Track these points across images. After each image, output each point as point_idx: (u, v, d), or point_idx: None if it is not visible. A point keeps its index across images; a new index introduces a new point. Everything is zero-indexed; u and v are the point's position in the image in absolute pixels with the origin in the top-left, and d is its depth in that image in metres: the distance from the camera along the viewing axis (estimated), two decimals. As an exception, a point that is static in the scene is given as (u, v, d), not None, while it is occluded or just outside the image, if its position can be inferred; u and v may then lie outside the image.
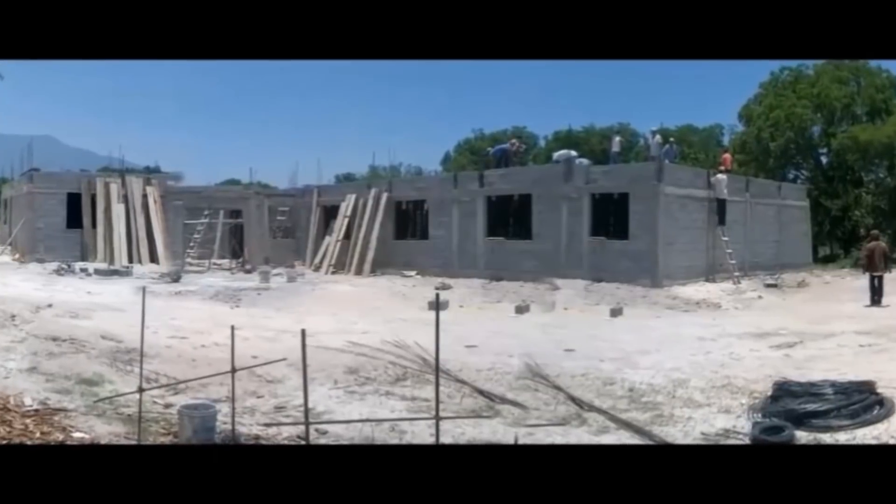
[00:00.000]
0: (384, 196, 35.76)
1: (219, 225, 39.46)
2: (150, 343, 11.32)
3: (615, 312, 22.40)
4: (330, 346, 14.40)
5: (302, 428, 8.34)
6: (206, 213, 38.72)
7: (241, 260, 38.03)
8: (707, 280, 29.41)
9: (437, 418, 3.73)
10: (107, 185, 36.15)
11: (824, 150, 51.19)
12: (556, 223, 30.22)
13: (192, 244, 37.56)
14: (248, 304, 23.32)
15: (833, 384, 9.78)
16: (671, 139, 41.77)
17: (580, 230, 29.88)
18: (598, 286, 27.37)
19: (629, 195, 28.96)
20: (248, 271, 34.66)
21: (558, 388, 11.62)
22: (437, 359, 3.53)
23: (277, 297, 25.13)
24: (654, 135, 38.42)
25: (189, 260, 36.12)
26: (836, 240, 50.42)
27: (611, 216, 30.78)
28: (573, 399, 11.00)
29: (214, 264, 37.39)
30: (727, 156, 39.64)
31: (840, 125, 49.22)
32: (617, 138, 38.83)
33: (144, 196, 36.81)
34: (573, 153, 34.85)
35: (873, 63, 50.51)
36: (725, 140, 62.28)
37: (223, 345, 13.90)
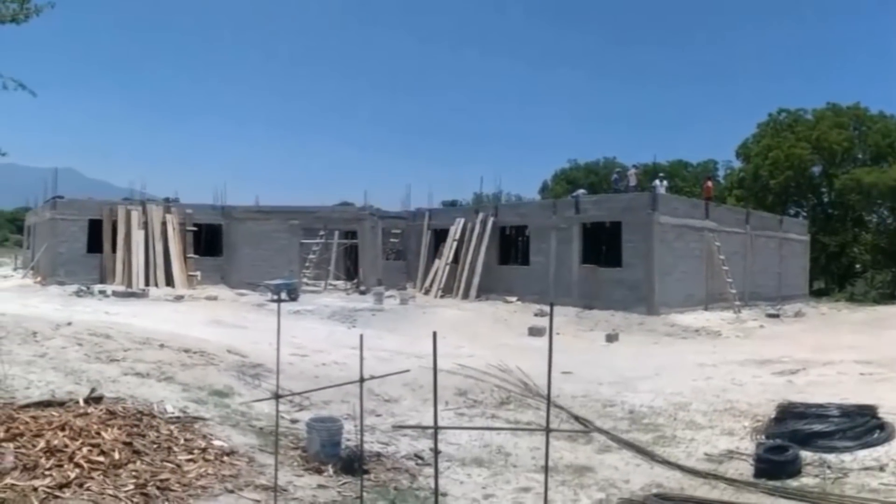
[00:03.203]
0: (490, 221, 35.81)
1: (334, 246, 39.94)
2: (273, 359, 11.34)
3: (610, 338, 22.14)
4: (441, 369, 14.27)
5: (418, 445, 8.81)
6: (321, 233, 39.10)
7: (355, 281, 38.48)
8: (706, 309, 28.97)
9: (548, 430, 3.86)
10: (128, 213, 35.92)
11: (825, 189, 50.91)
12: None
13: (307, 264, 38.26)
14: (362, 325, 23.84)
15: (839, 406, 9.39)
16: (661, 174, 41.52)
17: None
18: (591, 313, 27.48)
19: (622, 224, 29.55)
20: (363, 292, 35.18)
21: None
22: (549, 380, 3.54)
23: (390, 319, 25.68)
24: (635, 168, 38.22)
25: (305, 280, 36.80)
26: (831, 275, 50.18)
27: (603, 245, 30.83)
28: (577, 419, 10.68)
29: (330, 285, 38.04)
30: (709, 183, 39.36)
31: (841, 167, 48.91)
32: (633, 171, 37.59)
33: (163, 223, 36.42)
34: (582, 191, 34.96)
35: (874, 109, 50.64)
36: (721, 176, 62.18)
37: (342, 363, 14.52)
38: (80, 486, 5.54)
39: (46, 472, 5.62)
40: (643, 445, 9.45)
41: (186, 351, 13.63)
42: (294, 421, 9.43)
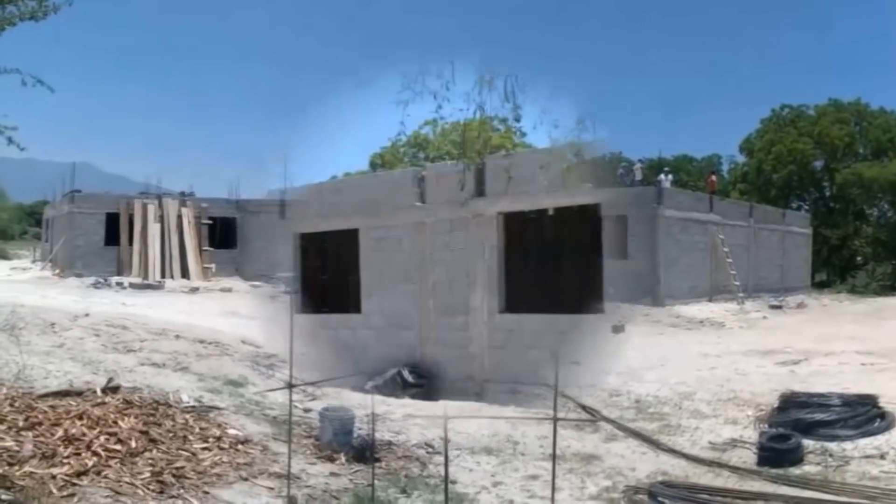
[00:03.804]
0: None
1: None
2: (286, 350, 11.42)
3: (616, 329, 21.99)
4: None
5: (428, 434, 8.75)
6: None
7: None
8: (710, 300, 28.91)
9: (555, 419, 3.91)
10: (144, 206, 36.01)
11: (826, 183, 50.85)
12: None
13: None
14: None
15: (840, 396, 9.36)
16: (666, 168, 41.57)
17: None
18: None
19: (627, 217, 28.85)
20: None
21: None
22: (556, 370, 3.52)
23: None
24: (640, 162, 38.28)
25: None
26: (833, 267, 50.10)
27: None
28: (584, 408, 10.64)
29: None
30: (713, 178, 39.41)
31: (842, 162, 48.83)
32: (638, 165, 37.65)
33: (179, 217, 36.53)
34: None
35: (875, 105, 50.62)
36: (724, 170, 62.15)
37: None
38: (98, 473, 5.55)
39: (65, 460, 5.64)
40: (649, 434, 9.42)
41: (201, 341, 13.67)
42: (307, 410, 9.44)
